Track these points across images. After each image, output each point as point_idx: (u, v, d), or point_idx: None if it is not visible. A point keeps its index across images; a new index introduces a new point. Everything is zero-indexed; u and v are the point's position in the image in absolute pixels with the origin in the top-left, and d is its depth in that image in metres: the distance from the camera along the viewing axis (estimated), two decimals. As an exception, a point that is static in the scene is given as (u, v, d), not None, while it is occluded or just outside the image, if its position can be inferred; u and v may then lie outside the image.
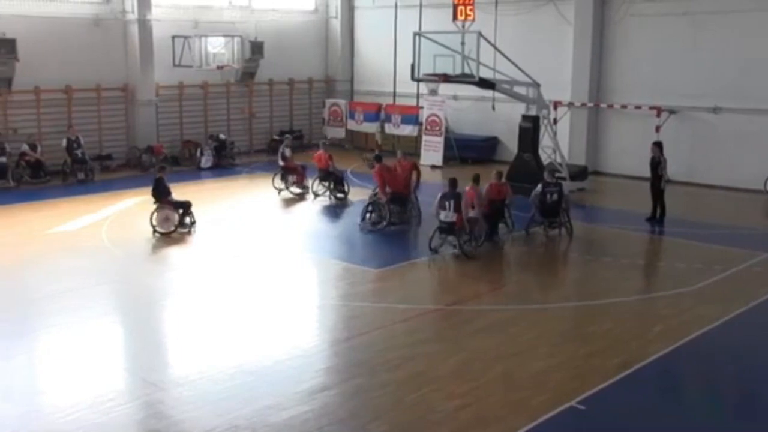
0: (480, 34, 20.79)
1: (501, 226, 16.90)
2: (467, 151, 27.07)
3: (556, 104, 24.41)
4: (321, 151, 21.43)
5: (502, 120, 25.33)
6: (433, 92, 26.82)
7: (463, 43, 21.06)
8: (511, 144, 24.30)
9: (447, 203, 15.57)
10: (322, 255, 16.36)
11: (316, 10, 31.17)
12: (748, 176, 22.21)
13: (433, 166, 26.30)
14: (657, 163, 18.52)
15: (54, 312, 12.56)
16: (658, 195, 18.62)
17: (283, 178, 21.55)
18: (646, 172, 19.02)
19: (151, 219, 17.30)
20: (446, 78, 21.39)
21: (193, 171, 25.09)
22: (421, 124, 27.55)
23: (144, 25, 25.20)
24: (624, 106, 24.29)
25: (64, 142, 23.25)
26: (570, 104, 24.95)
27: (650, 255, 17.36)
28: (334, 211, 20.09)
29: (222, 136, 26.98)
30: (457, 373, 10.39)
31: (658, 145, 18.81)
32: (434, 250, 15.79)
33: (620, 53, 24.56)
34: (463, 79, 21.34)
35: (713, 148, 22.88)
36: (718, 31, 22.54)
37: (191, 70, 25.47)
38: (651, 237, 18.13)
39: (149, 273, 15.11)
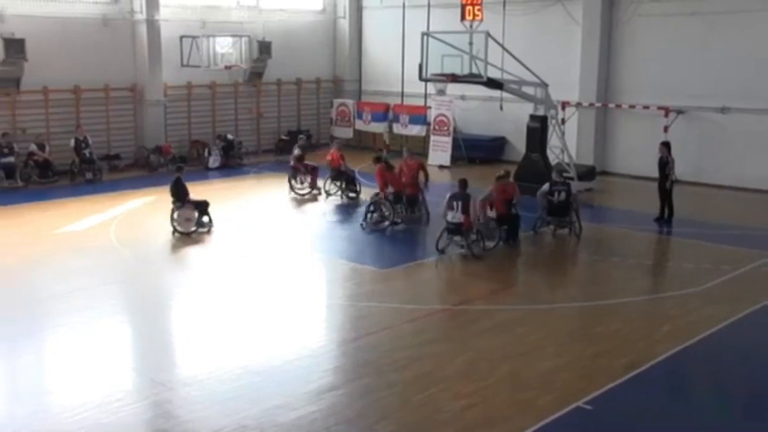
0: (488, 34, 20.77)
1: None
2: (475, 151, 27.05)
3: (564, 104, 24.38)
4: (334, 150, 21.49)
5: (510, 120, 25.31)
6: (441, 92, 26.94)
7: (471, 43, 21.03)
8: (519, 144, 24.27)
9: (455, 204, 15.54)
10: (330, 255, 16.37)
11: (324, 10, 31.19)
12: (756, 176, 22.14)
13: (441, 166, 26.28)
14: (665, 163, 18.47)
15: (62, 312, 12.60)
16: (665, 195, 18.58)
17: (293, 178, 21.55)
18: (654, 173, 18.98)
19: (171, 218, 17.33)
20: (454, 78, 21.38)
21: (201, 171, 25.12)
22: (429, 124, 27.54)
23: (152, 25, 25.26)
24: (632, 106, 24.24)
25: (73, 142, 23.30)
26: (578, 104, 24.91)
27: (658, 255, 17.32)
28: (344, 210, 20.08)
29: (230, 136, 27.01)
30: (464, 373, 10.39)
31: (666, 146, 18.77)
32: (441, 251, 15.78)
33: (628, 53, 24.50)
34: (471, 79, 21.31)
35: (721, 148, 22.81)
36: (726, 31, 22.46)
37: (199, 70, 25.52)
38: (659, 237, 18.09)
39: (157, 273, 15.14)
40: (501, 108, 24.05)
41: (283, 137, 28.99)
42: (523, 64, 21.47)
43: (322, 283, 14.98)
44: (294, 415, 9.12)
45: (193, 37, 25.32)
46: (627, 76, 24.59)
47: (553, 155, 22.16)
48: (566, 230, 17.38)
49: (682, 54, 23.23)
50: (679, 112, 23.17)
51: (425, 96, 27.96)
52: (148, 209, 20.25)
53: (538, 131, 21.73)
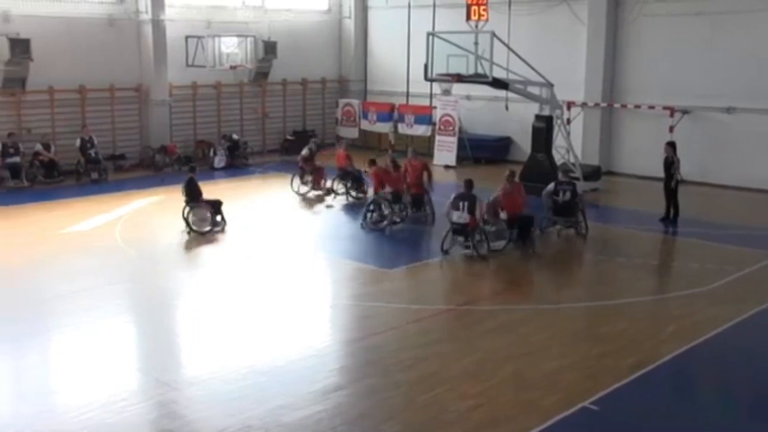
0: (493, 34, 20.75)
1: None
2: (480, 151, 27.03)
3: (570, 104, 24.33)
4: (341, 150, 21.48)
5: (515, 120, 25.28)
6: (447, 92, 26.81)
7: (476, 43, 21.00)
8: (524, 144, 24.25)
9: (461, 204, 15.52)
10: (335, 255, 16.36)
11: (329, 10, 31.20)
12: (762, 176, 22.08)
13: (447, 166, 26.28)
14: (670, 163, 18.43)
15: (67, 312, 12.61)
16: (671, 195, 18.54)
17: (301, 178, 21.52)
18: (660, 173, 18.94)
19: (186, 218, 17.36)
20: (459, 78, 21.35)
21: (206, 171, 25.09)
22: (434, 124, 27.52)
23: (158, 25, 25.29)
24: (637, 106, 24.20)
25: (78, 142, 23.37)
26: (583, 104, 24.87)
27: (663, 255, 17.29)
28: (349, 210, 20.07)
29: (235, 136, 27.02)
30: (469, 373, 10.38)
31: (671, 145, 18.74)
32: (446, 252, 15.76)
33: (634, 53, 24.46)
34: (476, 79, 21.29)
35: (727, 148, 22.75)
36: (732, 31, 22.41)
37: (204, 70, 25.53)
38: (664, 237, 18.06)
39: (162, 273, 15.14)
40: (506, 108, 24.03)
41: (289, 137, 29.02)
42: (528, 64, 21.44)
43: (327, 283, 14.97)
44: (299, 415, 9.11)
45: (199, 37, 25.35)
46: (632, 76, 24.55)
47: (559, 155, 22.12)
48: (572, 230, 17.34)
49: (687, 54, 23.19)
50: (685, 112, 23.13)
51: (431, 96, 27.94)
52: (154, 209, 20.28)
53: (543, 131, 21.70)
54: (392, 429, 8.86)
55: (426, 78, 22.15)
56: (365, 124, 29.89)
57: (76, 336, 11.74)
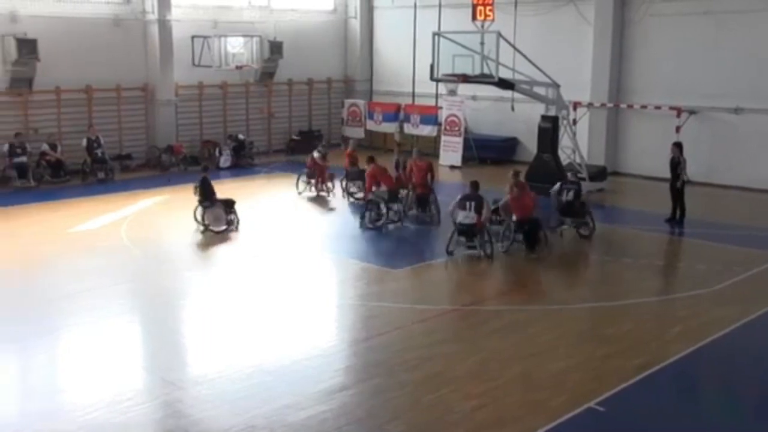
0: (499, 34, 20.74)
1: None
2: (486, 151, 27.01)
3: (576, 104, 24.31)
4: (350, 150, 21.47)
5: (521, 120, 25.24)
6: (452, 92, 26.85)
7: (482, 43, 21.00)
8: (530, 144, 24.21)
9: (468, 204, 15.50)
10: (341, 255, 16.37)
11: (335, 10, 31.21)
12: (769, 177, 22.05)
13: (452, 167, 26.27)
14: (677, 164, 18.39)
15: (73, 311, 12.64)
16: (677, 196, 18.50)
17: (310, 178, 21.52)
18: (666, 173, 18.89)
19: (202, 218, 17.48)
20: (465, 78, 21.36)
21: (212, 171, 25.11)
22: (440, 124, 27.51)
23: (164, 26, 25.33)
24: (644, 107, 24.15)
25: (85, 142, 23.43)
26: (589, 104, 24.84)
27: (670, 256, 17.24)
28: (356, 211, 20.01)
29: (241, 136, 27.06)
30: (474, 373, 10.37)
31: (677, 146, 18.69)
32: (451, 253, 15.71)
33: (640, 53, 24.42)
34: (482, 79, 21.30)
35: (734, 148, 22.69)
36: (739, 31, 22.36)
37: (210, 70, 25.56)
38: (670, 238, 18.02)
39: (168, 272, 15.16)
40: (512, 108, 24.01)
41: (294, 137, 29.05)
42: (534, 65, 21.43)
43: (333, 283, 14.98)
44: (304, 414, 9.12)
45: (205, 37, 25.38)
46: (639, 76, 24.50)
47: (565, 155, 22.10)
48: (579, 230, 17.26)
49: (694, 54, 23.13)
50: (692, 112, 23.07)
51: (436, 96, 27.93)
52: (160, 209, 20.32)
53: (549, 131, 21.68)
54: (397, 429, 8.86)
55: (432, 78, 22.16)
56: (371, 125, 29.90)
57: (82, 335, 11.77)
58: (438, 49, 21.59)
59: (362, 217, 18.21)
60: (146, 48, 25.64)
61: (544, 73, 21.54)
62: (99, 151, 23.52)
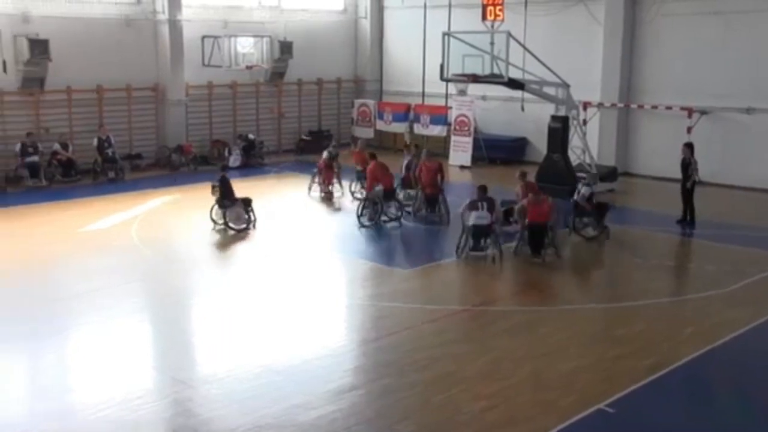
0: (509, 34, 20.70)
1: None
2: (496, 151, 26.95)
3: (586, 105, 24.24)
4: (358, 150, 21.46)
5: (531, 120, 25.18)
6: (462, 92, 26.81)
7: (492, 43, 20.95)
8: (540, 144, 24.15)
9: (480, 204, 15.47)
10: (351, 255, 16.38)
11: (345, 10, 31.20)
12: (781, 178, 21.94)
13: (462, 167, 26.23)
14: (687, 165, 18.31)
15: (84, 310, 12.68)
16: (687, 197, 18.40)
17: (319, 178, 21.55)
18: (677, 174, 18.81)
19: (224, 216, 17.55)
20: (475, 78, 21.32)
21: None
22: (449, 124, 27.48)
23: (174, 26, 25.39)
24: (654, 107, 24.06)
25: (95, 142, 23.49)
26: (600, 105, 24.76)
27: (681, 257, 17.18)
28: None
29: (251, 136, 27.08)
30: (485, 373, 10.35)
31: (689, 147, 18.61)
32: (461, 256, 15.63)
33: (651, 53, 24.33)
34: (492, 79, 21.25)
35: (746, 149, 22.56)
36: (751, 30, 22.23)
37: (221, 70, 25.57)
38: (681, 239, 17.94)
39: (178, 272, 15.18)
40: (522, 108, 23.95)
41: (304, 137, 29.05)
42: (544, 65, 21.38)
43: (343, 283, 14.98)
44: (314, 414, 9.12)
45: (215, 37, 25.40)
46: (649, 76, 24.41)
47: (575, 156, 22.04)
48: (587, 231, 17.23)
49: (706, 53, 23.01)
50: (703, 112, 22.96)
51: (446, 96, 27.89)
52: (170, 208, 20.36)
53: (559, 132, 21.61)
54: (407, 429, 8.85)
55: (441, 78, 22.14)
56: (381, 125, 29.89)
57: (93, 334, 11.81)
58: (448, 49, 21.56)
59: (358, 216, 18.25)
60: (157, 48, 25.70)
61: (554, 73, 21.48)
62: (109, 151, 23.58)
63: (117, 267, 15.09)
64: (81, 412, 9.25)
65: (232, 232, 17.50)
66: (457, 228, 16.41)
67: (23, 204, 20.18)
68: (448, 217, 18.41)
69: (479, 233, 15.53)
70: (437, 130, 28.05)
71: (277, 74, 28.43)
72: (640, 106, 24.52)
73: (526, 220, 15.62)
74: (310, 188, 21.52)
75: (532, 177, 18.64)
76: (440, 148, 26.60)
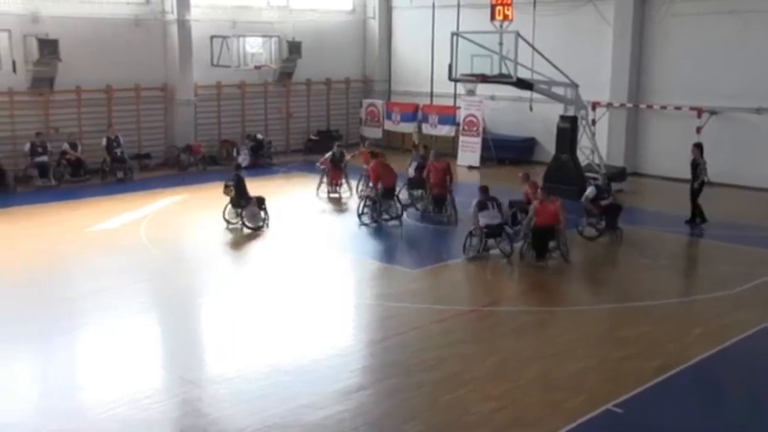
0: (518, 34, 20.68)
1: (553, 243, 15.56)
2: (504, 151, 26.92)
3: (595, 105, 24.19)
4: (366, 150, 21.51)
5: (539, 120, 25.15)
6: (471, 92, 26.85)
7: (500, 44, 20.94)
8: (548, 145, 24.12)
9: (489, 204, 15.48)
10: (359, 255, 16.39)
11: (353, 11, 31.22)
12: (792, 178, 21.86)
13: (470, 167, 26.21)
14: (696, 165, 18.25)
15: (92, 310, 12.72)
16: (693, 197, 18.31)
17: (325, 179, 21.56)
18: (686, 174, 18.75)
19: (239, 215, 17.64)
20: (484, 78, 21.31)
21: (230, 170, 25.07)
22: (458, 124, 27.46)
23: (183, 26, 25.44)
24: (664, 107, 23.99)
25: (104, 141, 23.56)
26: (608, 105, 24.71)
27: (690, 257, 17.14)
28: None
29: (259, 136, 27.11)
30: (492, 374, 10.34)
31: (698, 147, 18.54)
32: (469, 256, 15.62)
33: (660, 53, 24.26)
34: (500, 79, 21.23)
35: (756, 149, 22.47)
36: (761, 30, 22.13)
37: (229, 69, 25.63)
38: (690, 239, 17.88)
39: (187, 271, 15.21)
40: (531, 108, 23.92)
41: (313, 137, 29.07)
42: (553, 65, 21.34)
43: (351, 283, 14.98)
44: (321, 414, 9.13)
45: (224, 37, 25.44)
46: (659, 76, 24.34)
47: (583, 156, 21.99)
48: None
49: (715, 53, 22.94)
50: (713, 112, 22.89)
51: (455, 96, 27.88)
52: (178, 208, 20.40)
53: (568, 132, 21.57)
54: (415, 429, 8.85)
55: (450, 78, 22.13)
56: (389, 125, 29.89)
57: (101, 334, 11.83)
58: (456, 49, 21.53)
59: (359, 214, 18.29)
60: (165, 48, 25.76)
61: (563, 73, 21.44)
62: (118, 151, 23.65)
63: (125, 267, 15.14)
64: (90, 411, 9.28)
65: (247, 231, 17.57)
66: (464, 228, 16.40)
67: (32, 203, 20.25)
68: (456, 217, 18.41)
69: (492, 233, 15.53)
70: (446, 131, 28.03)
71: (285, 74, 28.45)
72: (649, 106, 24.45)
73: (533, 222, 15.36)
74: (318, 188, 21.53)
75: (537, 177, 18.60)
76: (449, 149, 26.56)
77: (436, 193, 18.73)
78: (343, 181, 21.49)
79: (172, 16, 25.39)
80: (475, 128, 26.79)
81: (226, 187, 17.94)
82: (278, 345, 11.38)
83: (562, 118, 21.81)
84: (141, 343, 11.48)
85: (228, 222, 17.84)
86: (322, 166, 21.59)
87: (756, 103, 22.38)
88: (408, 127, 29.19)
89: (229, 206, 17.86)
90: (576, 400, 9.49)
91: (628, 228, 17.54)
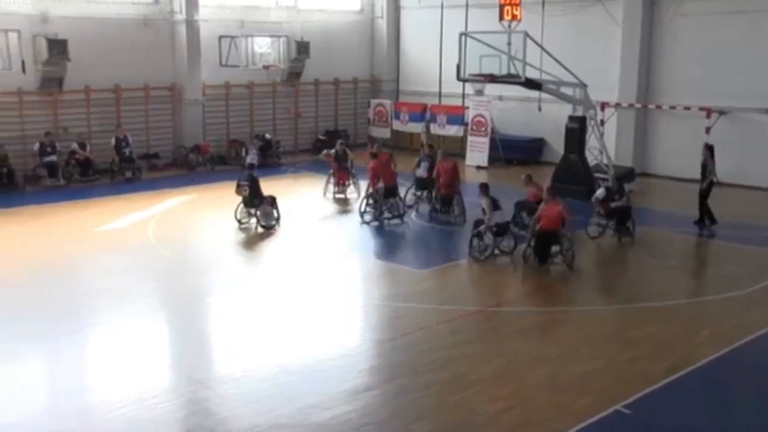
0: (526, 34, 20.63)
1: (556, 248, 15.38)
2: (513, 151, 26.87)
3: (604, 105, 24.13)
4: (373, 150, 21.50)
5: (548, 121, 25.11)
6: (479, 92, 26.83)
7: (509, 44, 20.89)
8: (557, 145, 24.07)
9: (496, 204, 15.62)
10: (367, 255, 16.39)
11: (362, 10, 31.22)
12: (801, 179, 21.76)
13: (479, 167, 26.17)
14: (705, 166, 18.17)
15: (100, 309, 12.74)
16: (701, 198, 18.23)
17: (332, 179, 21.56)
18: (695, 174, 18.70)
19: (255, 215, 17.77)
20: (492, 78, 21.26)
21: (239, 170, 25.15)
22: (466, 124, 27.43)
23: (191, 26, 25.48)
24: (673, 107, 23.92)
25: (113, 141, 23.60)
26: (617, 105, 24.65)
27: (699, 258, 17.07)
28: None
29: (267, 136, 27.14)
30: (500, 374, 10.32)
31: (708, 148, 18.45)
32: (480, 258, 15.61)
33: (669, 53, 24.18)
34: (509, 79, 21.18)
35: (765, 149, 22.36)
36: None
37: (237, 69, 25.67)
38: (699, 240, 17.81)
39: (195, 271, 15.22)
40: (539, 109, 23.87)
41: (321, 137, 29.08)
42: (561, 65, 21.29)
43: (359, 283, 14.97)
44: (329, 414, 9.12)
45: (232, 37, 25.47)
46: (667, 76, 24.27)
47: (592, 156, 21.94)
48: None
49: (724, 53, 22.86)
50: (722, 112, 22.81)
51: (463, 96, 27.84)
52: (187, 208, 20.43)
53: (576, 132, 21.52)
54: (422, 430, 8.84)
55: (458, 78, 22.09)
56: (397, 125, 29.87)
57: (109, 333, 11.85)
58: (465, 49, 21.49)
59: (361, 213, 18.30)
60: (174, 48, 25.81)
61: (572, 74, 21.39)
62: (127, 150, 23.70)
63: (134, 266, 15.16)
64: (97, 410, 9.29)
65: (255, 231, 17.62)
66: (471, 229, 16.37)
67: (41, 203, 20.30)
68: (463, 217, 18.38)
69: (500, 232, 15.61)
70: (454, 131, 28.00)
71: (293, 74, 28.48)
72: (658, 107, 24.38)
73: (538, 226, 15.15)
74: (325, 189, 21.52)
75: (545, 178, 18.56)
76: (457, 149, 26.53)
77: (443, 193, 18.71)
78: (351, 181, 21.48)
79: (180, 16, 25.44)
80: (483, 128, 26.75)
81: (239, 186, 17.96)
82: (286, 345, 11.38)
83: (571, 118, 21.76)
84: (149, 343, 11.49)
85: (239, 222, 17.86)
86: (328, 159, 21.57)
87: (765, 104, 22.28)
88: (416, 127, 29.14)
89: (242, 206, 17.88)
90: (584, 400, 9.46)
91: (638, 228, 17.44)
